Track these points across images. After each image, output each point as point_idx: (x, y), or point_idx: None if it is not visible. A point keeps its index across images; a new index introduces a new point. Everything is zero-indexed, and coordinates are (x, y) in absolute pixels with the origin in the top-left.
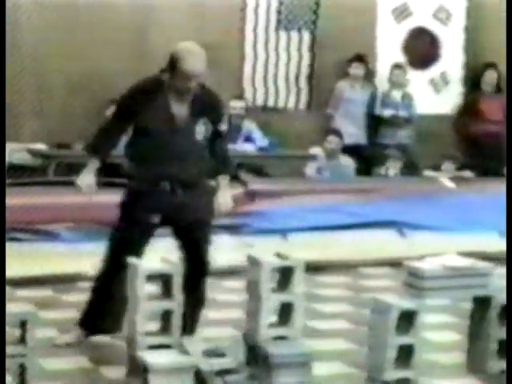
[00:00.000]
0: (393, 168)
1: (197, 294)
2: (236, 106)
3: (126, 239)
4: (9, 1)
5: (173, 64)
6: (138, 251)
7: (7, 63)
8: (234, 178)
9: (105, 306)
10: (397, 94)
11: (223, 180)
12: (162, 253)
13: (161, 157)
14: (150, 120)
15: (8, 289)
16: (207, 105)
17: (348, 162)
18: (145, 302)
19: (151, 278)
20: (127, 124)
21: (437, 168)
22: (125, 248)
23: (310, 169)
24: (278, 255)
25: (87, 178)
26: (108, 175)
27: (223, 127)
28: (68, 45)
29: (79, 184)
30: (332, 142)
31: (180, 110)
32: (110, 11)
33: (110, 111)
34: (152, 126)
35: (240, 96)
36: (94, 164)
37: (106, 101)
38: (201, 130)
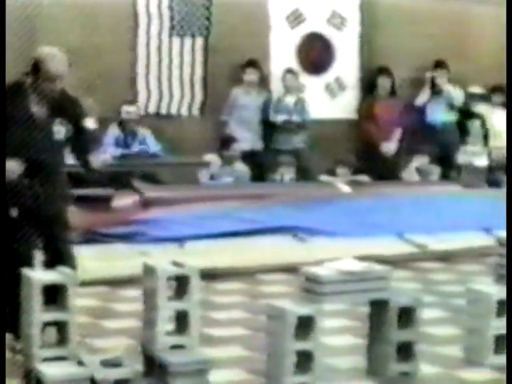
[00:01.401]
0: (287, 173)
1: None
2: (128, 110)
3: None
4: None
5: (36, 66)
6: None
7: None
8: (128, 186)
9: None
10: (290, 100)
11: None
12: None
13: (21, 154)
14: (12, 119)
15: None
16: (65, 106)
17: (242, 168)
18: (39, 314)
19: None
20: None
21: (332, 173)
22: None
23: (204, 175)
24: (174, 263)
25: (10, 164)
26: None
27: (87, 124)
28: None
29: (10, 171)
30: (228, 148)
31: (40, 110)
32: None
33: None
34: (13, 124)
35: (132, 101)
36: None
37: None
38: (59, 130)
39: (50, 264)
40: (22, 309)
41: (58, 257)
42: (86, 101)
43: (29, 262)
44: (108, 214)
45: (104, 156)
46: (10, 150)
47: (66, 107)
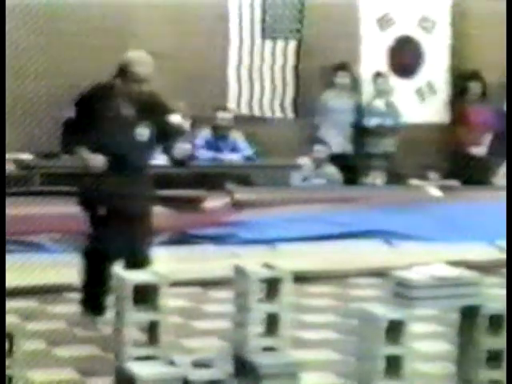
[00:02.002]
0: (378, 177)
1: None
2: (223, 117)
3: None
4: None
5: (124, 69)
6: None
7: None
8: (220, 188)
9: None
10: (380, 103)
11: None
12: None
13: (108, 153)
14: (101, 119)
15: None
16: (152, 108)
17: (333, 172)
18: (132, 313)
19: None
20: (87, 121)
21: (422, 177)
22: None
23: (296, 178)
24: (266, 265)
25: (94, 157)
26: None
27: (175, 120)
28: (47, 55)
29: (95, 164)
30: (318, 151)
31: (127, 111)
32: (90, 22)
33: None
34: (102, 124)
35: (225, 107)
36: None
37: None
38: (143, 132)
39: (126, 262)
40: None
41: (134, 255)
42: (178, 104)
43: (111, 257)
44: (199, 215)
45: (187, 146)
46: (97, 147)
47: (153, 109)
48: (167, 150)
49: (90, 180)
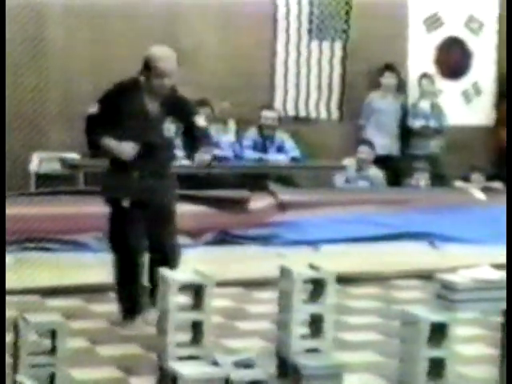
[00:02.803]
0: (422, 179)
1: None
2: (268, 116)
3: (114, 223)
4: (33, 9)
5: (148, 65)
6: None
7: (34, 72)
8: (264, 189)
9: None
10: (426, 105)
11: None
12: (193, 263)
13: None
14: (127, 114)
15: (37, 298)
16: (176, 105)
17: (377, 173)
18: (176, 313)
19: (183, 288)
20: (111, 118)
21: (466, 179)
22: (118, 231)
23: (340, 179)
24: (310, 266)
25: (124, 145)
26: None
27: (200, 122)
28: (96, 54)
29: (126, 151)
30: (364, 152)
31: (153, 107)
32: (138, 21)
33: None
34: (128, 119)
35: (271, 106)
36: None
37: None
38: (169, 128)
39: (154, 257)
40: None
41: (161, 250)
42: (223, 104)
43: (138, 251)
44: (244, 215)
45: (206, 156)
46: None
47: (177, 105)
48: (189, 156)
49: (116, 175)
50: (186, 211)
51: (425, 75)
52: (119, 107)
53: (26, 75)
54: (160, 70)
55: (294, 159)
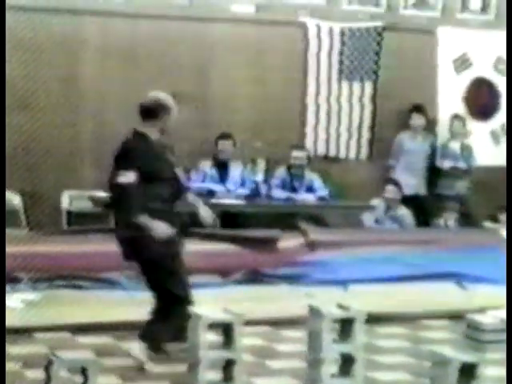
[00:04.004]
0: (450, 219)
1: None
2: (298, 155)
3: None
4: (68, 49)
5: (159, 113)
6: None
7: (66, 111)
8: (294, 228)
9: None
10: (456, 145)
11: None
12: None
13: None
14: (160, 171)
15: (69, 335)
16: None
17: (406, 213)
18: (206, 351)
19: (213, 327)
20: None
21: (495, 219)
22: None
23: (369, 219)
24: (339, 306)
25: (161, 225)
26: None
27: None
28: (128, 93)
29: (162, 231)
30: (391, 192)
31: (169, 156)
32: (170, 61)
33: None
34: (161, 175)
35: (301, 146)
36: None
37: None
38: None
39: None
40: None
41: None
42: (255, 143)
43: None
44: (273, 254)
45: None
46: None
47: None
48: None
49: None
50: (216, 250)
51: (456, 116)
52: (153, 168)
53: (57, 113)
54: (173, 113)
55: (322, 198)
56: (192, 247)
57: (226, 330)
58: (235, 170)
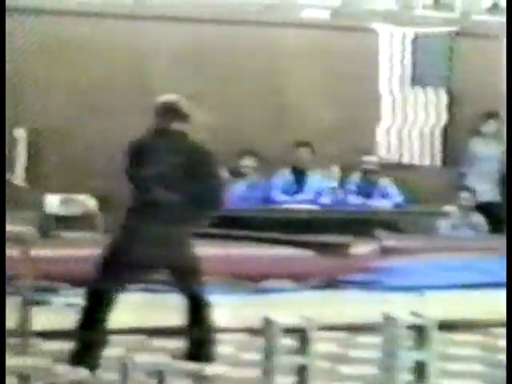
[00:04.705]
0: None
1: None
2: (369, 161)
3: None
4: (142, 39)
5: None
6: None
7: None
8: (368, 234)
9: None
10: None
11: None
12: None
13: None
14: None
15: (144, 338)
16: None
17: (481, 220)
18: (280, 356)
19: (288, 332)
20: None
21: None
22: None
23: (443, 226)
24: (413, 313)
25: None
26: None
27: None
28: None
29: None
30: (465, 199)
31: None
32: (243, 63)
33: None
34: None
35: (374, 152)
36: None
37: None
38: None
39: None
40: None
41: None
42: (329, 150)
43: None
44: (347, 260)
45: None
46: None
47: None
48: None
49: None
50: (291, 256)
51: None
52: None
53: (134, 116)
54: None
55: (397, 205)
56: (267, 252)
57: (300, 336)
58: (312, 178)
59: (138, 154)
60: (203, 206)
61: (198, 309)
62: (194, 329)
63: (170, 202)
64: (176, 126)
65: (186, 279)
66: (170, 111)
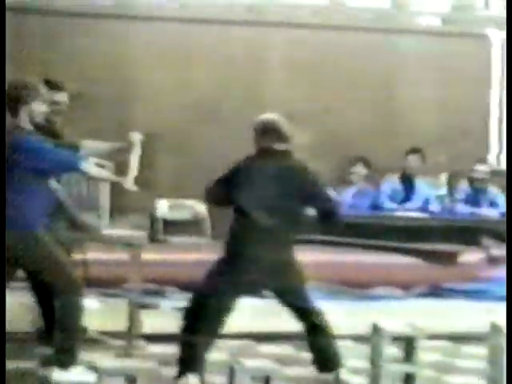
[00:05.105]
0: None
1: None
2: (481, 169)
3: None
4: (255, 45)
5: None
6: None
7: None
8: (476, 243)
9: None
10: None
11: None
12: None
13: None
14: None
15: (251, 343)
16: None
17: None
18: (388, 365)
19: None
20: None
21: None
22: None
23: None
24: None
25: None
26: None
27: None
28: (317, 105)
29: None
30: None
31: None
32: (355, 69)
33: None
34: None
35: (484, 160)
36: None
37: (349, 157)
38: None
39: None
40: None
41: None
42: (439, 157)
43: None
44: (455, 269)
45: None
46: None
47: None
48: None
49: None
50: (398, 263)
51: None
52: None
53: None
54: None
55: (504, 214)
56: (374, 259)
57: (407, 344)
58: (421, 185)
59: (243, 177)
60: (318, 224)
61: (310, 318)
62: (313, 337)
63: (276, 226)
64: (278, 145)
65: (292, 298)
66: (272, 131)
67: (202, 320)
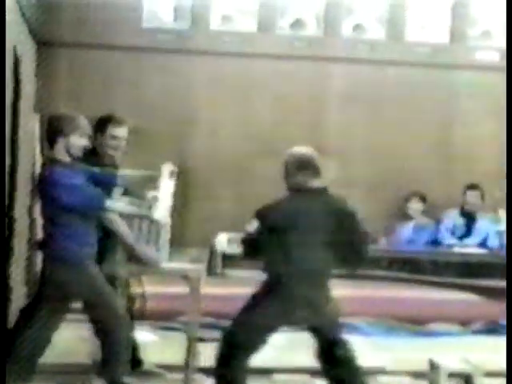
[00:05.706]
0: None
1: None
2: None
3: None
4: (312, 81)
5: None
6: None
7: None
8: None
9: None
10: None
11: None
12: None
13: None
14: None
15: (307, 378)
16: None
17: None
18: None
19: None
20: None
21: None
22: None
23: None
24: None
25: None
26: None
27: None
28: (375, 141)
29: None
30: None
31: None
32: (413, 104)
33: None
34: None
35: None
36: None
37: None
38: None
39: None
40: None
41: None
42: (496, 193)
43: None
44: None
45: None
46: None
47: None
48: None
49: None
50: (456, 299)
51: None
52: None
53: None
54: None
55: None
56: (432, 295)
57: (465, 381)
58: (482, 221)
59: (280, 220)
60: (348, 265)
61: (340, 350)
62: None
63: (316, 266)
64: (313, 182)
65: (327, 331)
66: (307, 166)
67: (236, 352)
